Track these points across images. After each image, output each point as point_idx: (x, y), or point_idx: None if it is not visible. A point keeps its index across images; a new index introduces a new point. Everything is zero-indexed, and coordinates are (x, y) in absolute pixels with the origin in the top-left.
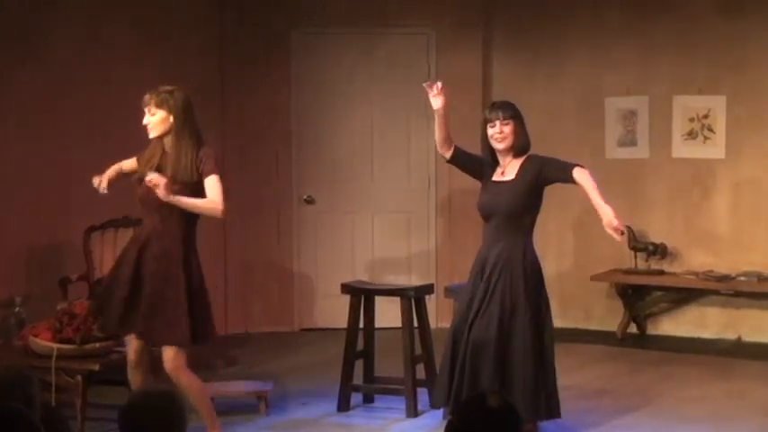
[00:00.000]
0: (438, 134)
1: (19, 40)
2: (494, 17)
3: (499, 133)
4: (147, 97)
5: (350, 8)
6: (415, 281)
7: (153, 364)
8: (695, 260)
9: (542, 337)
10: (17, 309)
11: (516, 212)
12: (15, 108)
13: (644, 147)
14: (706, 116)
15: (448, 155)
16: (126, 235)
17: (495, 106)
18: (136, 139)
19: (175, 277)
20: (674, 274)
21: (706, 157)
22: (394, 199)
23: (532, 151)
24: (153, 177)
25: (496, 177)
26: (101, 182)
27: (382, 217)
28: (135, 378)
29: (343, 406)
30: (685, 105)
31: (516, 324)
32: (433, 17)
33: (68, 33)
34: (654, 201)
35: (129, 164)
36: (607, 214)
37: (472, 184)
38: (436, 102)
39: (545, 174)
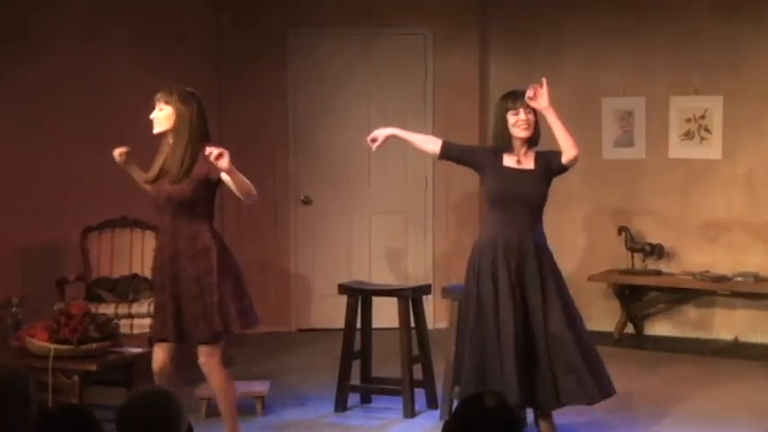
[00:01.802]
0: (413, 145)
1: (18, 40)
2: (490, 18)
3: (525, 121)
4: (159, 94)
5: (346, 9)
6: (412, 281)
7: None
8: (692, 261)
9: (580, 318)
10: (14, 309)
11: (541, 201)
12: (13, 108)
13: (641, 147)
14: (703, 117)
15: (437, 153)
16: (123, 235)
17: (519, 94)
18: (134, 139)
19: (199, 274)
20: (671, 274)
21: (703, 158)
22: (391, 200)
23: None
24: (211, 150)
25: (511, 164)
26: (122, 152)
27: (379, 218)
28: (162, 384)
29: (341, 406)
30: (682, 106)
31: (561, 311)
32: (429, 18)
33: (66, 34)
34: (651, 201)
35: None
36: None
37: (470, 184)
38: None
39: (553, 165)
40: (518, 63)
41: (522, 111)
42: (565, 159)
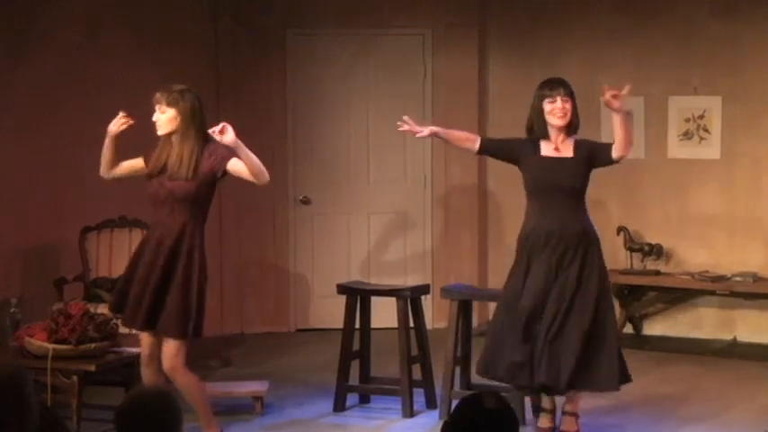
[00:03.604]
0: (452, 142)
1: (16, 41)
2: (489, 18)
3: (561, 109)
4: (158, 95)
5: (345, 9)
6: (411, 281)
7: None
8: (691, 261)
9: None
10: (13, 309)
11: (581, 188)
12: (12, 109)
13: (639, 147)
14: (701, 117)
15: (475, 148)
16: (122, 235)
17: (556, 82)
18: (132, 139)
19: (182, 271)
20: (669, 274)
21: (701, 158)
22: (390, 199)
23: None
24: (214, 129)
25: (548, 153)
26: (125, 123)
27: (378, 217)
28: (147, 375)
29: (339, 406)
30: (681, 106)
31: (604, 295)
32: (428, 18)
33: (65, 35)
34: (649, 201)
35: (131, 162)
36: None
37: (469, 183)
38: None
39: (599, 157)
40: (517, 63)
41: (558, 99)
42: (616, 155)
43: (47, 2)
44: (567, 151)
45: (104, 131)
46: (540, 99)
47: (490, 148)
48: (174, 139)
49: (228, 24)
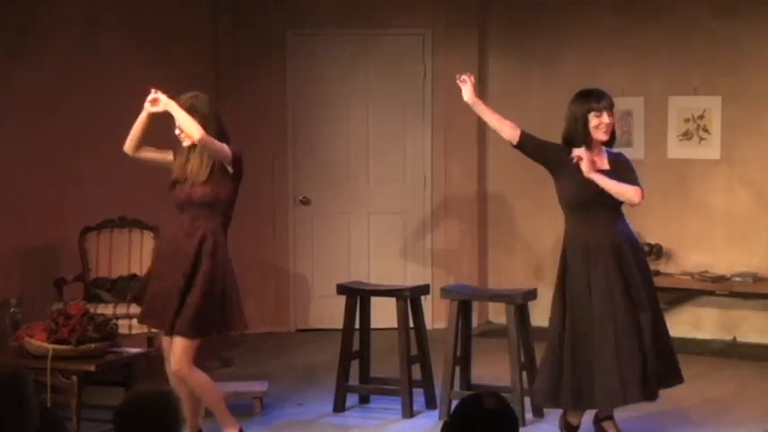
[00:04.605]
0: (488, 121)
1: (16, 41)
2: (489, 18)
3: (608, 125)
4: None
5: (345, 9)
6: (410, 281)
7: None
8: (690, 261)
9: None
10: (12, 309)
11: (620, 201)
12: (12, 109)
13: (639, 147)
14: (701, 117)
15: (515, 140)
16: (121, 235)
17: (602, 96)
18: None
19: (205, 271)
20: (669, 274)
21: (701, 158)
22: (390, 199)
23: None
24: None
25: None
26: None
27: (378, 218)
28: (180, 387)
29: (339, 406)
30: (681, 106)
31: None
32: (428, 18)
33: (65, 35)
34: (649, 201)
35: (161, 153)
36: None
37: (469, 183)
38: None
39: (624, 179)
40: (517, 63)
41: (605, 113)
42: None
43: (47, 2)
44: (603, 164)
45: (105, 131)
46: (585, 111)
47: (528, 146)
48: (199, 147)
49: (228, 24)
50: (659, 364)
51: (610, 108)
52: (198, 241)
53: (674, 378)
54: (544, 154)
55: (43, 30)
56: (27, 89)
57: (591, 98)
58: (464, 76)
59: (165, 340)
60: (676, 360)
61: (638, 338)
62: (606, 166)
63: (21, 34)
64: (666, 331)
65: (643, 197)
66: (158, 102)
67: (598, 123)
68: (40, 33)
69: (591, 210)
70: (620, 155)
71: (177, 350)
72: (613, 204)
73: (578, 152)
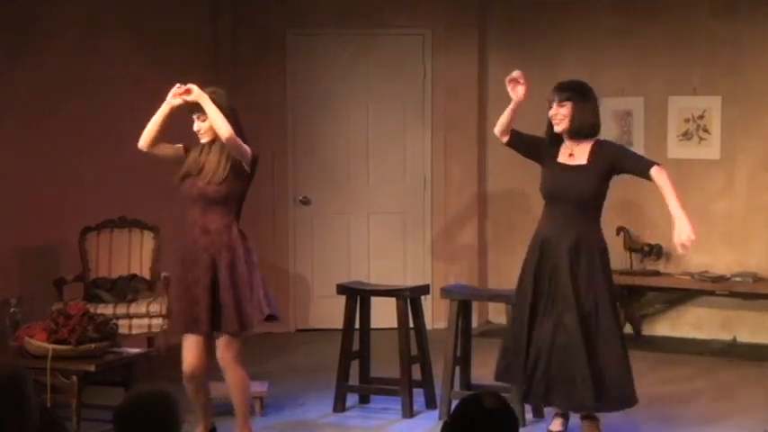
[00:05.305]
0: (505, 120)
1: (16, 41)
2: (489, 18)
3: (556, 115)
4: (194, 105)
5: (345, 9)
6: (410, 281)
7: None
8: (690, 261)
9: (619, 323)
10: (12, 309)
11: (591, 198)
12: (12, 109)
13: (639, 147)
14: (701, 117)
15: (505, 139)
16: (121, 235)
17: (556, 87)
18: (132, 139)
19: (225, 266)
20: (669, 275)
21: (701, 158)
22: (389, 199)
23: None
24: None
25: (563, 160)
26: (180, 95)
27: (378, 218)
28: (190, 390)
29: (339, 406)
30: (681, 106)
31: (603, 314)
32: (428, 18)
33: (65, 35)
34: (649, 201)
35: (174, 149)
36: (684, 229)
37: (468, 184)
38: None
39: (621, 164)
40: (517, 63)
41: (554, 105)
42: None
43: (47, 2)
44: (581, 158)
45: (105, 131)
46: (548, 102)
47: (518, 142)
48: (218, 143)
49: (228, 24)
50: (563, 373)
51: (561, 99)
52: (214, 237)
53: (581, 396)
54: (534, 151)
55: (43, 30)
56: (27, 89)
57: (553, 90)
58: (517, 76)
59: (188, 339)
60: (605, 379)
61: (552, 339)
62: (584, 161)
63: (21, 34)
64: (615, 348)
65: (664, 169)
66: (192, 91)
67: (553, 114)
68: (40, 33)
69: (557, 206)
70: (603, 142)
71: (221, 343)
72: (579, 203)
73: (682, 241)
